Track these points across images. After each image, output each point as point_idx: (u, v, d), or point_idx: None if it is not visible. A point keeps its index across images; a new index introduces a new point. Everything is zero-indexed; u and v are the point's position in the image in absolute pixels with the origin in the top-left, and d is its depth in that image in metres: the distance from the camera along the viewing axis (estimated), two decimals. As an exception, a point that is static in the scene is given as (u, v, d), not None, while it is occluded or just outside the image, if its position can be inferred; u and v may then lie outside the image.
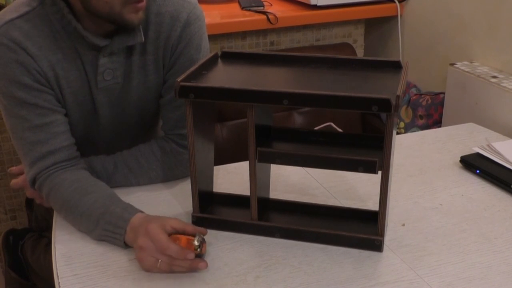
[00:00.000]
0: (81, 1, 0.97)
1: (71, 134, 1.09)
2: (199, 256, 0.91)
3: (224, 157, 1.33)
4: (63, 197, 1.02)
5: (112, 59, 1.06)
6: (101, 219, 0.96)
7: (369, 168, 0.89)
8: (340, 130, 1.83)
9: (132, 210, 0.97)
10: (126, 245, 0.95)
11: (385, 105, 0.83)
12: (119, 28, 1.02)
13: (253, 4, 1.95)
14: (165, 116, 1.16)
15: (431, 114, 1.82)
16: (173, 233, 0.91)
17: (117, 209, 0.97)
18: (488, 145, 1.28)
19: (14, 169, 1.30)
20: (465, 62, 1.75)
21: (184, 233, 0.92)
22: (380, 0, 2.05)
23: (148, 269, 0.90)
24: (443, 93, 1.79)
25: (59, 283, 0.89)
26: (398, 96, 0.83)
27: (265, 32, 1.97)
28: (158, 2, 1.07)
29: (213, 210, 1.06)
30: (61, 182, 1.03)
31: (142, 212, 0.98)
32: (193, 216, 1.02)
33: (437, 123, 1.82)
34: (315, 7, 1.94)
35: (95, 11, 0.96)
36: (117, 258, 0.94)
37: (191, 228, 0.93)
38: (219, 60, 1.06)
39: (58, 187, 1.03)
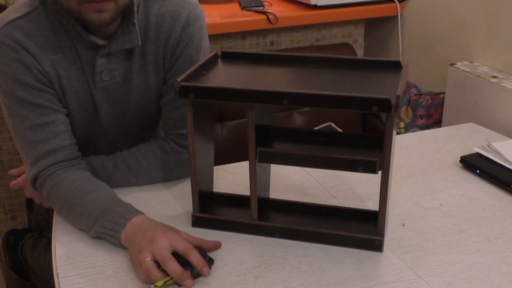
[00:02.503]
0: None
1: (73, 134, 1.09)
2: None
3: (224, 157, 1.33)
4: (64, 195, 1.02)
5: (111, 59, 1.06)
6: (101, 216, 0.96)
7: (369, 168, 0.89)
8: (340, 130, 1.83)
9: (134, 210, 0.98)
10: (120, 244, 0.95)
11: (385, 105, 0.83)
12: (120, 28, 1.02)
13: (253, 4, 1.95)
14: (165, 116, 1.16)
15: (431, 114, 1.82)
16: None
17: (119, 208, 0.97)
18: (488, 145, 1.28)
19: (14, 171, 1.30)
20: (465, 62, 1.75)
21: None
22: (380, 0, 2.05)
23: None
24: (443, 93, 1.79)
25: (59, 283, 0.89)
26: (398, 96, 0.83)
27: (265, 32, 1.97)
28: (158, 2, 1.08)
29: (213, 210, 1.06)
30: (63, 181, 1.03)
31: (143, 213, 0.98)
32: (193, 216, 1.02)
33: (437, 123, 1.82)
34: (315, 7, 1.94)
35: (62, 7, 0.97)
36: (117, 258, 0.94)
37: (206, 244, 0.93)
38: (219, 60, 1.06)
39: (60, 186, 1.03)
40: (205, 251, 0.91)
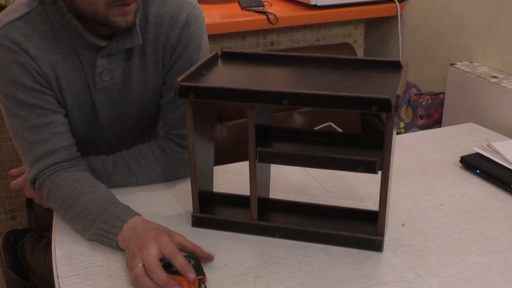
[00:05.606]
0: (68, 1, 0.97)
1: (72, 135, 1.09)
2: None
3: (224, 157, 1.33)
4: (63, 196, 1.02)
5: (111, 60, 1.06)
6: (99, 218, 0.96)
7: (369, 168, 0.89)
8: (340, 130, 1.83)
9: (130, 211, 0.97)
10: (117, 246, 0.94)
11: (385, 105, 0.83)
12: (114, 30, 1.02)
13: (253, 4, 1.95)
14: (165, 116, 1.16)
15: (431, 114, 1.82)
16: (175, 271, 0.86)
17: (116, 209, 0.97)
18: (488, 145, 1.28)
19: (14, 171, 1.30)
20: (465, 62, 1.75)
21: (192, 254, 0.90)
22: (380, 0, 2.05)
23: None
24: (443, 93, 1.79)
25: (59, 283, 0.89)
26: (398, 96, 0.83)
27: (265, 32, 1.97)
28: (157, 3, 1.07)
29: (213, 210, 1.06)
30: (62, 181, 1.03)
31: (140, 215, 0.97)
32: (193, 216, 1.02)
33: (437, 123, 1.82)
34: (315, 7, 1.95)
35: (81, 11, 0.96)
36: (116, 258, 0.94)
37: (200, 251, 0.92)
38: (219, 60, 1.06)
39: (58, 186, 1.03)
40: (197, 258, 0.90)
